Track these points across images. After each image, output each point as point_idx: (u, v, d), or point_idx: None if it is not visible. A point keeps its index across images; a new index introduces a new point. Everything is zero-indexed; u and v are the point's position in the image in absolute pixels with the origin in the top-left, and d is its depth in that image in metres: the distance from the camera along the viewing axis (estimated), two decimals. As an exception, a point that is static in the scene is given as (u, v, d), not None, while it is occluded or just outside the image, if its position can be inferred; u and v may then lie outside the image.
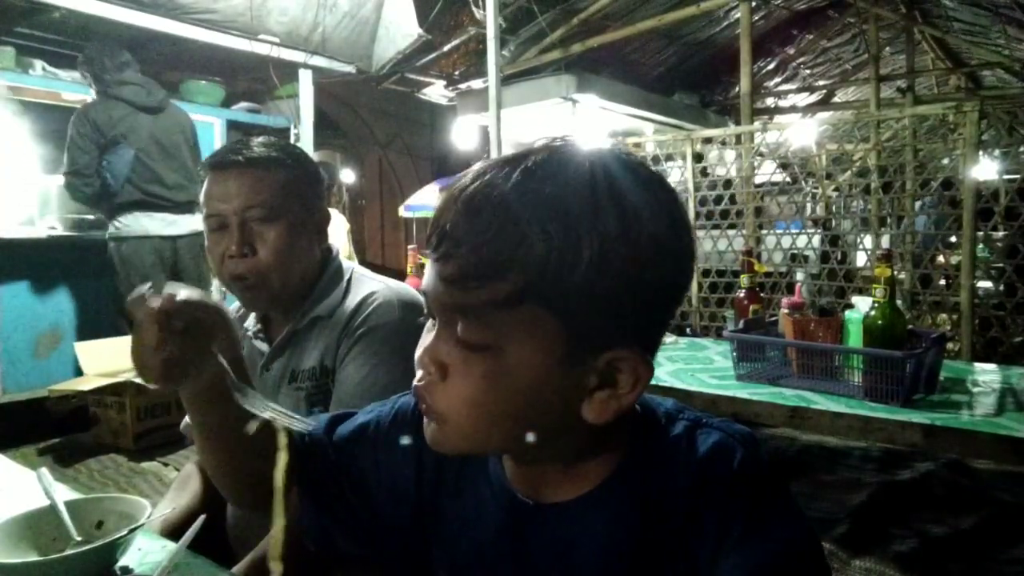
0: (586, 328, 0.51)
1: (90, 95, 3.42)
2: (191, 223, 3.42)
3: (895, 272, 2.02)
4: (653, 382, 1.83)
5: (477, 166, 0.53)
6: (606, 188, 0.50)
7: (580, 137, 0.55)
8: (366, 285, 1.16)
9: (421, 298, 0.57)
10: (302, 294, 1.14)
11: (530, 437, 0.54)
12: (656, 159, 4.01)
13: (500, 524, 0.62)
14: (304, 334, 1.13)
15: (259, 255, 1.07)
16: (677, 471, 0.57)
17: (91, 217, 3.60)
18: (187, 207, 3.43)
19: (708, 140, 3.90)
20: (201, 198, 1.11)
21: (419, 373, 0.55)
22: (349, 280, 1.17)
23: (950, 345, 2.76)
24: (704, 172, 3.84)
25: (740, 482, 0.56)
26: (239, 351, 0.69)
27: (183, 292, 0.63)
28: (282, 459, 0.61)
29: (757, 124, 3.74)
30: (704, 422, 0.60)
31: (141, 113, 3.31)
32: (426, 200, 7.19)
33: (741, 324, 2.02)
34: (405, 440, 0.66)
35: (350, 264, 1.22)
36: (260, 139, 1.14)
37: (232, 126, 4.93)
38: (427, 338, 0.55)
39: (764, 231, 3.63)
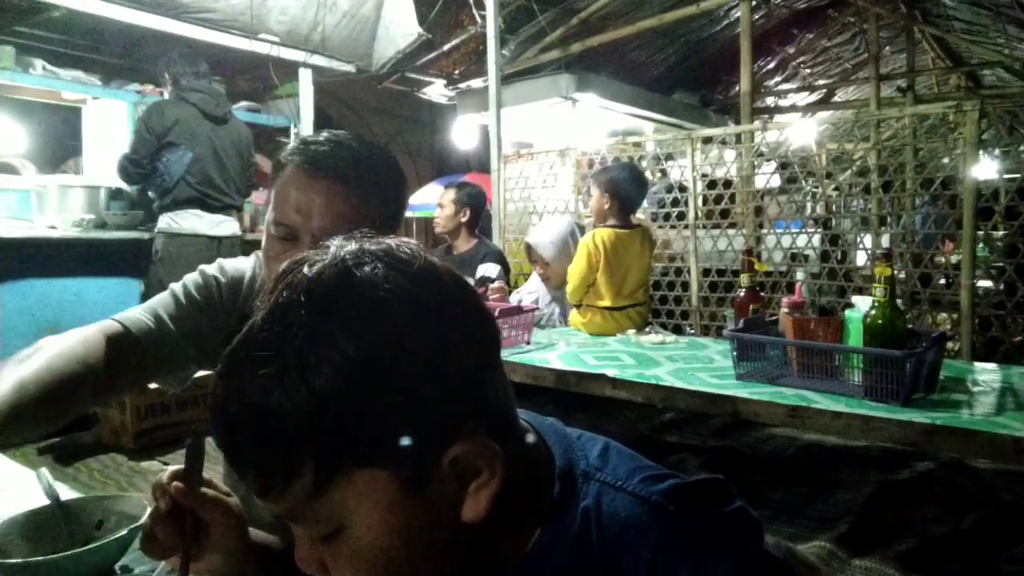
0: (402, 458, 0.47)
1: (89, 94, 3.44)
2: (232, 226, 3.78)
3: (895, 271, 2.02)
4: (654, 382, 1.82)
5: (217, 368, 0.49)
6: (333, 321, 0.45)
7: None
8: None
9: None
10: None
11: (446, 568, 0.51)
12: (656, 158, 4.01)
13: None
14: None
15: None
16: (594, 545, 0.54)
17: (91, 217, 3.61)
18: (230, 210, 3.79)
19: (708, 140, 3.90)
20: (273, 188, 0.98)
21: None
22: None
23: (950, 344, 2.76)
24: (704, 176, 3.84)
25: (666, 554, 0.52)
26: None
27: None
28: None
29: (757, 123, 3.74)
30: (620, 485, 0.55)
31: (206, 120, 3.60)
32: (426, 200, 7.18)
33: (741, 323, 2.02)
34: None
35: None
36: (363, 146, 0.98)
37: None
38: (300, 545, 0.53)
39: (764, 231, 3.63)
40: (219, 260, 1.14)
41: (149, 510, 0.83)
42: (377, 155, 1.00)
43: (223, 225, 3.71)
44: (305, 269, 0.49)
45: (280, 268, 0.51)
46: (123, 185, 3.77)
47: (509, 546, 0.56)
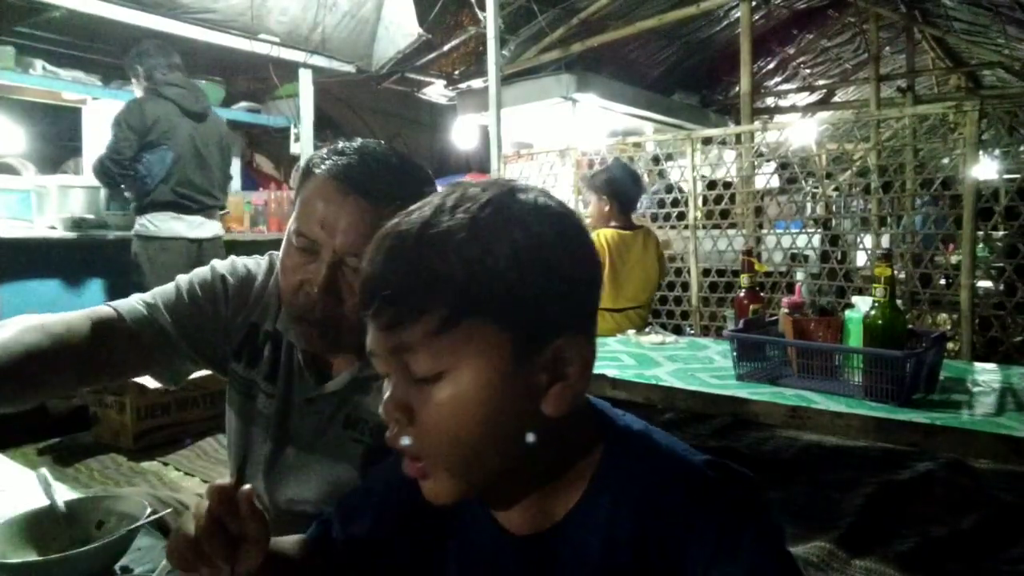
0: (523, 327, 0.54)
1: (89, 94, 3.41)
2: (213, 227, 3.59)
3: (895, 272, 2.02)
4: (654, 382, 1.82)
5: (389, 223, 0.58)
6: (504, 204, 0.56)
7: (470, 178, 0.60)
8: None
9: None
10: (362, 341, 1.01)
11: (509, 453, 0.57)
12: (656, 159, 4.01)
13: (499, 562, 0.64)
14: (365, 383, 0.98)
15: (342, 306, 0.90)
16: (635, 496, 0.59)
17: (91, 217, 3.60)
18: (211, 211, 3.59)
19: (708, 140, 3.90)
20: (299, 195, 0.93)
21: (389, 428, 0.57)
22: None
23: (950, 345, 2.76)
24: (703, 177, 3.84)
25: (699, 509, 0.57)
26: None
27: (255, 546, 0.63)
28: None
29: (757, 124, 3.74)
30: (665, 448, 0.62)
31: (185, 117, 3.42)
32: (426, 200, 7.18)
33: (741, 324, 2.02)
34: (404, 493, 0.68)
35: None
36: (400, 161, 0.94)
37: (232, 126, 4.92)
38: (385, 394, 0.57)
39: (764, 231, 3.63)
40: (232, 257, 1.10)
41: (149, 510, 0.83)
42: (413, 173, 0.95)
43: (204, 227, 3.53)
44: (476, 185, 0.58)
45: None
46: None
47: (565, 476, 0.61)
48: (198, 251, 3.47)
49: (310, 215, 0.89)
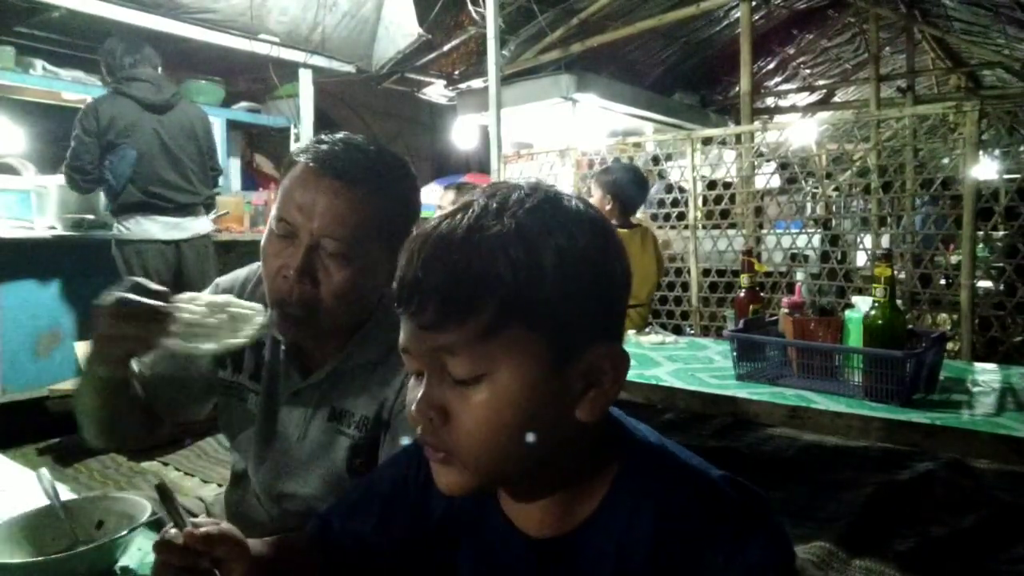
0: (563, 335, 0.55)
1: (89, 94, 3.40)
2: (195, 226, 3.40)
3: (895, 272, 2.01)
4: (654, 382, 1.82)
5: (430, 222, 0.57)
6: (549, 210, 0.56)
7: (510, 181, 0.61)
8: None
9: None
10: (344, 333, 1.00)
11: (538, 456, 0.57)
12: (656, 159, 4.01)
13: (513, 564, 0.64)
14: (349, 374, 1.00)
15: (318, 290, 0.91)
16: (651, 506, 0.59)
17: (91, 217, 3.60)
18: (191, 209, 3.39)
19: (708, 140, 3.90)
20: (282, 184, 0.95)
21: (420, 425, 0.57)
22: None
23: (950, 345, 2.76)
24: (703, 177, 3.84)
25: (713, 523, 0.58)
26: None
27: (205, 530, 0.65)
28: None
29: (757, 124, 3.74)
30: (681, 461, 0.63)
31: (146, 112, 3.23)
32: (426, 200, 7.18)
33: (741, 324, 2.02)
34: (413, 494, 0.71)
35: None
36: (376, 151, 0.95)
37: (232, 126, 4.93)
38: (417, 392, 0.57)
39: (764, 231, 3.63)
40: (236, 272, 1.13)
41: (149, 510, 0.83)
42: (390, 161, 0.97)
43: (182, 226, 3.34)
44: (519, 189, 0.58)
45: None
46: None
47: (586, 482, 0.62)
48: (176, 253, 3.33)
49: (289, 201, 0.91)
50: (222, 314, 0.91)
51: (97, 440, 1.02)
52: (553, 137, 5.79)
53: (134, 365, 0.99)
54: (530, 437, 0.56)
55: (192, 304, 0.89)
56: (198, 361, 1.06)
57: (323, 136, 0.97)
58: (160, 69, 3.38)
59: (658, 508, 0.59)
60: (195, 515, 1.16)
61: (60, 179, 3.31)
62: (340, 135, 0.96)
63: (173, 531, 0.64)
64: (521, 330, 0.53)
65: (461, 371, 0.54)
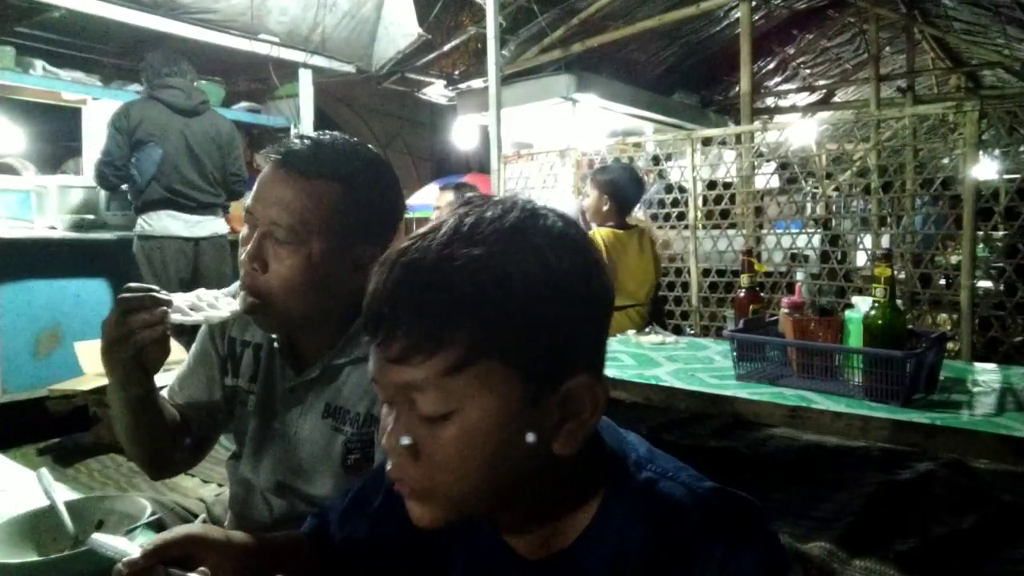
0: (537, 367, 0.53)
1: (89, 94, 3.43)
2: (214, 226, 3.55)
3: (895, 272, 2.01)
4: (655, 382, 1.81)
5: (399, 247, 0.54)
6: (521, 234, 0.53)
7: (487, 196, 0.58)
8: None
9: None
10: (334, 329, 1.01)
11: (513, 490, 0.55)
12: (656, 159, 4.01)
13: (506, 573, 0.63)
14: (343, 370, 1.02)
15: (268, 275, 0.94)
16: (641, 523, 0.58)
17: (91, 217, 3.60)
18: (211, 208, 3.55)
19: (708, 140, 3.90)
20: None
21: (390, 460, 0.55)
22: None
23: (950, 345, 2.76)
24: (703, 178, 3.84)
25: (704, 536, 0.56)
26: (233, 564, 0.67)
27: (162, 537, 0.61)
28: None
29: (757, 124, 3.74)
30: (670, 475, 0.61)
31: (176, 115, 3.40)
32: (426, 200, 7.19)
33: (741, 324, 2.02)
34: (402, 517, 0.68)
35: None
36: (341, 143, 0.97)
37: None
38: (388, 421, 0.55)
39: (764, 231, 3.63)
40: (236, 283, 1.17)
41: (149, 511, 0.83)
42: (362, 157, 0.97)
43: (201, 225, 3.48)
44: (494, 207, 0.55)
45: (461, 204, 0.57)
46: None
47: (571, 505, 0.60)
48: (195, 250, 3.46)
49: (253, 194, 0.96)
50: (209, 299, 0.96)
51: (144, 465, 1.12)
52: (553, 137, 5.78)
53: (165, 393, 1.08)
54: (504, 472, 0.54)
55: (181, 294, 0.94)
56: (218, 383, 1.12)
57: (303, 135, 1.00)
58: (196, 81, 3.58)
59: (648, 524, 0.57)
60: (195, 515, 1.17)
61: (60, 179, 3.34)
62: (324, 134, 0.99)
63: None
64: (493, 363, 0.51)
65: (429, 408, 0.52)
